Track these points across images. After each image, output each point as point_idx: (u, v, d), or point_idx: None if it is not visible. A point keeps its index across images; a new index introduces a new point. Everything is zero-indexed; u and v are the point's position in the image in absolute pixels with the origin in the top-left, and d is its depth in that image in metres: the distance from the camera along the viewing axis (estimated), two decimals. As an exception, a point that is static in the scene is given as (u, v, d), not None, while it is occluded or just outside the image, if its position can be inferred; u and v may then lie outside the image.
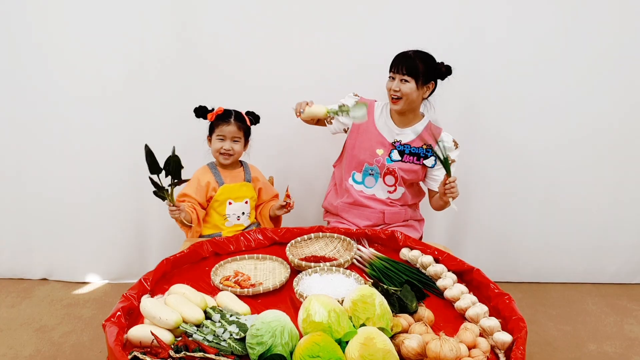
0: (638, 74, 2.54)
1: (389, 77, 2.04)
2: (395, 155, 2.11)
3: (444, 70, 2.03)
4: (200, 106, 2.08)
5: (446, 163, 1.84)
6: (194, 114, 2.07)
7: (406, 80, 1.98)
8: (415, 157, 2.11)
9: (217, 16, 2.42)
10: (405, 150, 2.10)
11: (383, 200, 2.17)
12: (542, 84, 2.55)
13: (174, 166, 1.70)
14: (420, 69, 1.98)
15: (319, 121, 2.19)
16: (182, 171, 1.73)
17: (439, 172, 2.11)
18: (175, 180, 1.73)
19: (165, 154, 2.51)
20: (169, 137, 2.50)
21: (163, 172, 1.71)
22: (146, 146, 1.69)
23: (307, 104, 2.01)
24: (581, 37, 2.48)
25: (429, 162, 2.11)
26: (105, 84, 2.49)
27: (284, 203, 2.09)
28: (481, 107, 2.57)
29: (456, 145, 2.12)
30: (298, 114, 2.02)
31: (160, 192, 1.77)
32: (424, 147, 2.10)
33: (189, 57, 2.46)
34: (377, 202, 2.17)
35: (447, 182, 1.87)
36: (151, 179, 1.73)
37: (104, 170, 2.60)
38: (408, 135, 2.11)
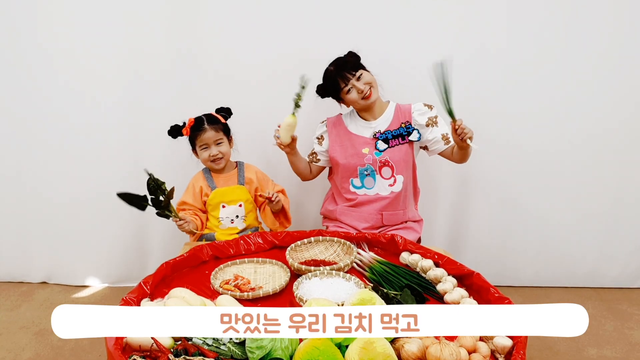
0: (639, 75, 2.55)
1: (347, 91, 2.09)
2: (381, 144, 2.14)
3: (357, 54, 2.16)
4: (171, 127, 2.08)
5: (449, 108, 1.82)
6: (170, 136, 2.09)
7: (360, 75, 2.08)
8: (400, 138, 2.14)
9: (215, 16, 2.42)
10: (388, 136, 2.14)
11: (387, 197, 2.17)
12: (543, 87, 2.54)
13: (153, 187, 1.73)
14: (354, 60, 2.12)
15: (311, 171, 2.29)
16: (167, 185, 1.75)
17: (432, 134, 2.13)
18: (165, 197, 1.75)
19: (166, 155, 2.54)
20: (171, 141, 2.52)
21: (149, 198, 1.73)
22: (118, 194, 1.70)
23: (276, 131, 2.04)
24: (582, 39, 2.47)
25: (413, 136, 2.14)
26: (105, 86, 2.49)
27: (268, 196, 2.02)
28: (481, 110, 2.56)
29: (430, 107, 2.16)
30: (278, 141, 2.04)
31: (162, 212, 1.78)
32: (403, 125, 2.14)
33: (189, 57, 2.46)
34: (381, 200, 2.17)
35: (457, 126, 1.85)
36: (151, 204, 1.74)
37: (104, 173, 2.60)
38: (384, 123, 2.16)
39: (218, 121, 2.08)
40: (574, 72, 2.53)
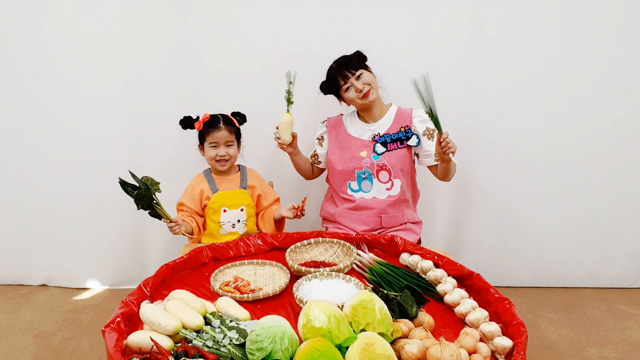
0: (637, 76, 2.54)
1: (345, 89, 2.10)
2: (380, 148, 2.14)
3: (363, 55, 2.16)
4: (185, 117, 2.07)
5: (435, 120, 1.81)
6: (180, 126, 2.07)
7: (360, 74, 2.08)
8: (398, 142, 2.14)
9: (217, 16, 2.43)
10: (387, 140, 2.14)
11: (384, 200, 2.17)
12: (541, 89, 2.55)
13: (145, 192, 1.73)
14: (358, 60, 2.11)
15: (313, 171, 2.33)
16: (160, 186, 1.75)
17: (427, 146, 2.13)
18: (154, 202, 1.75)
19: (166, 155, 2.54)
20: (170, 139, 2.52)
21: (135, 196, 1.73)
22: (120, 179, 1.72)
23: (276, 132, 2.07)
24: (579, 39, 2.48)
25: (412, 141, 2.13)
26: (105, 86, 2.50)
27: (297, 206, 2.03)
28: (480, 112, 2.57)
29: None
30: (280, 142, 2.07)
31: (153, 212, 1.78)
32: (402, 129, 2.13)
33: (190, 57, 2.47)
34: (379, 203, 2.17)
35: (442, 139, 1.84)
36: (144, 206, 1.75)
37: (103, 176, 2.60)
38: (383, 125, 2.16)
39: (233, 123, 2.08)
40: (570, 73, 2.53)
